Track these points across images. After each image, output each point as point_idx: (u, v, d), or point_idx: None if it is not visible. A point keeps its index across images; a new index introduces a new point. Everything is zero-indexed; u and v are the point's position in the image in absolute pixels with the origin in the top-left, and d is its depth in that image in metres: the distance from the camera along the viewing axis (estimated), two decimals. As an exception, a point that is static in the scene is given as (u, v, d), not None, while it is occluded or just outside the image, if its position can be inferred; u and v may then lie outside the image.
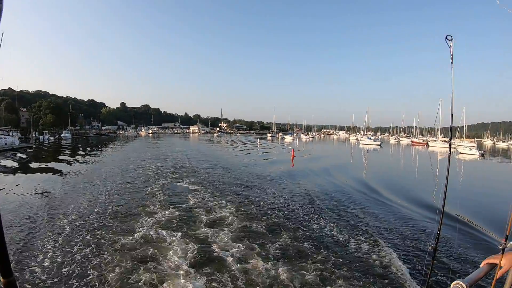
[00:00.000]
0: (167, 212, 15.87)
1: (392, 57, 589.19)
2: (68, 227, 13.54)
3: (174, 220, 14.45)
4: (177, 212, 15.86)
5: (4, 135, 55.62)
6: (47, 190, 20.90)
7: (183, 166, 33.33)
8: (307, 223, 15.14)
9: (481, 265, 2.31)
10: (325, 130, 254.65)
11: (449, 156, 3.16)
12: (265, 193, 21.34)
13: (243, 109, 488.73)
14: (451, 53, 2.76)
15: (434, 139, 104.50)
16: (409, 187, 26.62)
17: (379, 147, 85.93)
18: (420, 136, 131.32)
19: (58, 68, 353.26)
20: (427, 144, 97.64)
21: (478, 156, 62.17)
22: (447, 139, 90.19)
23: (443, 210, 3.03)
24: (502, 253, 2.25)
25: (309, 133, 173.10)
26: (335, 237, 13.12)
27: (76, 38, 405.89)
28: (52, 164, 34.94)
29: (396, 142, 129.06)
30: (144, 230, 13.07)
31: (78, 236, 12.37)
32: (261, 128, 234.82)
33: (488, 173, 41.64)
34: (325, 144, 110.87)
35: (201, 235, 12.65)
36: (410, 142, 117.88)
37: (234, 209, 16.67)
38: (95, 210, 16.15)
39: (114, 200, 18.47)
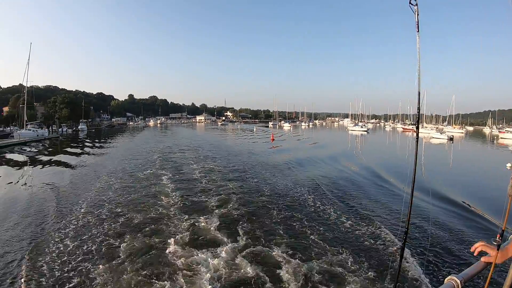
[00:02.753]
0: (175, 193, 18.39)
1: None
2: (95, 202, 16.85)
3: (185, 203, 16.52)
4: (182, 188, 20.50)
5: (35, 128, 67.55)
6: (90, 164, 31.19)
7: (187, 146, 45.64)
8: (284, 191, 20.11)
9: (480, 260, 2.33)
10: (330, 118, 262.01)
11: (417, 140, 2.93)
12: (251, 166, 29.37)
13: (250, 99, 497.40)
14: (416, 20, 2.52)
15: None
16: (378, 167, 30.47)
17: (366, 133, 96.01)
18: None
19: (65, 63, 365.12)
20: (414, 131, 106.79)
21: (446, 140, 71.02)
22: (434, 126, 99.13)
23: (412, 200, 2.84)
24: (498, 249, 2.27)
25: (309, 121, 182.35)
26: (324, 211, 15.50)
27: (79, 36, 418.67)
28: (86, 149, 46.55)
29: (391, 128, 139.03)
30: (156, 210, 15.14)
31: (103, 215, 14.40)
32: (266, 117, 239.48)
33: (447, 153, 50.21)
34: (321, 130, 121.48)
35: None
36: (402, 128, 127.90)
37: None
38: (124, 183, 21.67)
39: (139, 178, 23.30)
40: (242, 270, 9.62)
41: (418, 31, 2.59)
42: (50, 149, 47.13)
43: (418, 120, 3.17)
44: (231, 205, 16.25)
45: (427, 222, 14.09)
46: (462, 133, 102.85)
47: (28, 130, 63.51)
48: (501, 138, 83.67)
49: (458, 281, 1.97)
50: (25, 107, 67.24)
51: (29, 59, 69.39)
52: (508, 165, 30.09)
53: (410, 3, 2.51)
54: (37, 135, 62.81)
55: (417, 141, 2.97)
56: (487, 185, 24.56)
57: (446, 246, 11.61)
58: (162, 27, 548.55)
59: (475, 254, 2.42)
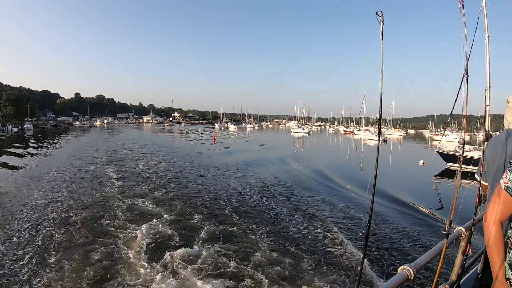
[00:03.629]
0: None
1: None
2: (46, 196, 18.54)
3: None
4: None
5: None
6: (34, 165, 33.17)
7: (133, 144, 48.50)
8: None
9: (430, 251, 2.48)
10: (277, 120, 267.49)
11: (378, 143, 3.06)
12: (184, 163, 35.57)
13: (198, 101, 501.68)
14: (381, 29, 2.62)
15: (359, 128, 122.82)
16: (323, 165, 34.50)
17: (307, 135, 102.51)
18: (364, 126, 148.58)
19: (8, 57, 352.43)
20: (354, 133, 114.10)
21: (381, 142, 76.86)
22: (369, 128, 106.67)
23: (372, 203, 2.89)
24: (447, 238, 2.51)
25: (256, 123, 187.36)
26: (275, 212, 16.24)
27: (23, 29, 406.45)
28: (35, 147, 48.44)
29: (334, 131, 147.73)
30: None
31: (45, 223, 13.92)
32: (213, 118, 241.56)
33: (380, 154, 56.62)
34: (265, 132, 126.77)
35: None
36: (343, 131, 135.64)
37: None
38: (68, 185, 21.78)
39: (81, 176, 24.46)
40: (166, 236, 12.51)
41: (382, 39, 2.71)
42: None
43: (380, 123, 3.08)
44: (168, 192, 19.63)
45: (378, 219, 15.14)
46: (400, 135, 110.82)
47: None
48: (434, 140, 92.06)
49: (411, 270, 2.12)
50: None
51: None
52: (421, 162, 34.80)
53: (376, 14, 2.60)
54: (-15, 133, 62.46)
55: (378, 146, 3.09)
56: (413, 180, 29.25)
57: (400, 242, 12.65)
58: (107, 24, 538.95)
59: None
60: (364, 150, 57.41)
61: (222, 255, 10.87)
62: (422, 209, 17.90)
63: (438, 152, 35.19)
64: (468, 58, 2.64)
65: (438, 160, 33.20)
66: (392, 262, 10.91)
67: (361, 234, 2.91)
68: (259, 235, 12.77)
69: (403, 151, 62.72)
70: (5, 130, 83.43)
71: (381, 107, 2.88)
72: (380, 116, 2.90)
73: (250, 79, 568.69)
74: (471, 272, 3.57)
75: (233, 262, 10.34)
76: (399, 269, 2.14)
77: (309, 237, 12.94)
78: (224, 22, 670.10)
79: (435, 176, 30.16)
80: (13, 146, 51.23)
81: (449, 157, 33.78)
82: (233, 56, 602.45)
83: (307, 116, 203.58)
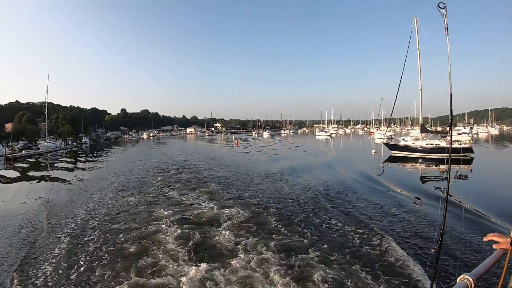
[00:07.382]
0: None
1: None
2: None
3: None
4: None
5: (53, 141, 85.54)
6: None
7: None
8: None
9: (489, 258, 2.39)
10: (317, 125, 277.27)
11: (450, 154, 3.07)
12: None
13: (240, 110, 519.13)
14: (445, 22, 2.55)
15: (379, 128, 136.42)
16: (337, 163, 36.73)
17: (329, 137, 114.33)
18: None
19: (56, 78, 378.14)
20: (374, 133, 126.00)
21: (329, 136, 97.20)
22: (326, 127, 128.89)
23: (446, 208, 2.93)
24: (511, 244, 2.37)
25: (296, 129, 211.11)
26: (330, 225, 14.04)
27: (69, 50, 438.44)
28: (98, 156, 62.31)
29: (363, 132, 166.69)
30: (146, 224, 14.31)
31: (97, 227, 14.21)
32: (253, 127, 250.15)
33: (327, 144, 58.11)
34: (295, 137, 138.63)
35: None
36: (368, 132, 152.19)
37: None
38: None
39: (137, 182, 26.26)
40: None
41: (447, 33, 2.67)
42: (72, 157, 60.72)
43: (451, 123, 3.03)
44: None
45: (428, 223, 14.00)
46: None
47: (49, 142, 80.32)
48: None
49: (471, 279, 2.07)
50: (45, 124, 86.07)
51: (47, 89, 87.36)
52: (373, 151, 45.99)
53: (438, 6, 2.52)
54: (56, 146, 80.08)
55: (449, 161, 3.10)
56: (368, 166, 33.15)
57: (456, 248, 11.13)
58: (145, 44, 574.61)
59: (485, 239, 2.61)
60: (317, 143, 70.90)
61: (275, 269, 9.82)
62: (465, 205, 16.63)
63: (384, 143, 45.97)
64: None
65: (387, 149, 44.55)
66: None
67: (433, 250, 3.20)
68: (318, 249, 11.35)
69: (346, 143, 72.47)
70: (68, 144, 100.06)
71: (451, 110, 2.93)
72: (451, 121, 3.07)
73: (290, 87, 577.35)
74: None
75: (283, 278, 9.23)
76: (458, 278, 2.16)
77: (366, 248, 11.52)
78: (257, 30, 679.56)
79: (385, 161, 37.59)
80: (82, 154, 65.67)
81: (392, 147, 44.22)
82: (276, 65, 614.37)
83: (347, 120, 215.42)
